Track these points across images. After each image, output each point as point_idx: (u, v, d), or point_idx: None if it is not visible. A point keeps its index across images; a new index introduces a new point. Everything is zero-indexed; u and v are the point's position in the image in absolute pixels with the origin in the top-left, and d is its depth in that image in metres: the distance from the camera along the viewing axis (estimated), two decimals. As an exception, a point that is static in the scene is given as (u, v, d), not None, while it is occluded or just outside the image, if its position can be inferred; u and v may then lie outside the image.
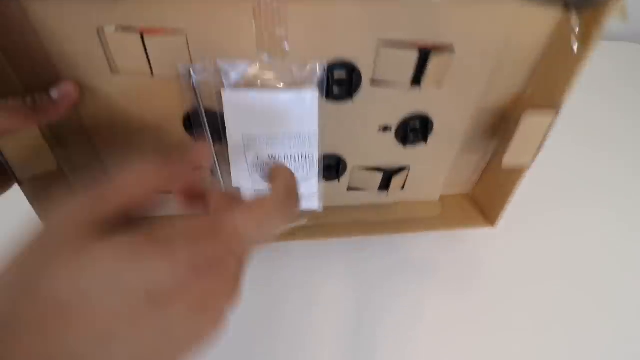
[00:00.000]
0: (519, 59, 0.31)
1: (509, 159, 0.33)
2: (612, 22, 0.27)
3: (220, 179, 0.34)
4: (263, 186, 0.34)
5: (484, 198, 0.41)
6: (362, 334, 0.38)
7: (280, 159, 0.32)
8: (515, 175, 0.35)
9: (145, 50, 0.27)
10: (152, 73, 0.28)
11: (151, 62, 0.27)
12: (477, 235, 0.45)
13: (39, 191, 0.30)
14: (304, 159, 0.33)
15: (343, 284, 0.41)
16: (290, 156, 0.32)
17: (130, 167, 0.18)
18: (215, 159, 0.33)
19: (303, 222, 0.38)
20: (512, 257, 0.45)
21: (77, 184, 0.34)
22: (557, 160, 0.48)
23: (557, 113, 0.31)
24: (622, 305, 0.42)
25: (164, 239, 0.16)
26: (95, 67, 0.28)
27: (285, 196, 0.20)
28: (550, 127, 0.31)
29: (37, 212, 0.30)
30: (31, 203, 0.30)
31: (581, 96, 0.52)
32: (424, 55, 0.29)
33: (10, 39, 0.26)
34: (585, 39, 0.27)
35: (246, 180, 0.34)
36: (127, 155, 0.33)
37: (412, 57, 0.29)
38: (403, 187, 0.40)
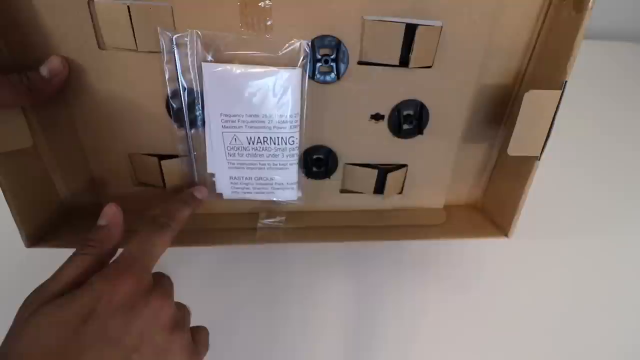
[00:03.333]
0: (512, 32, 0.30)
1: (515, 145, 0.30)
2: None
3: (194, 165, 0.32)
4: (239, 173, 0.32)
5: (494, 205, 0.37)
6: (362, 336, 0.38)
7: (259, 141, 0.31)
8: (525, 169, 0.32)
9: (131, 21, 0.27)
10: (136, 47, 0.28)
11: (136, 34, 0.28)
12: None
13: (10, 167, 0.29)
14: (284, 142, 0.31)
15: (343, 285, 0.41)
16: (270, 139, 0.30)
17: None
18: (191, 144, 0.31)
19: (281, 221, 0.35)
20: (515, 260, 0.43)
21: (51, 164, 0.32)
22: (556, 160, 0.46)
23: (561, 90, 0.28)
24: (629, 317, 0.41)
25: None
26: (84, 42, 0.28)
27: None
28: (556, 106, 0.29)
29: (4, 188, 0.29)
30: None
31: (582, 96, 0.52)
32: (411, 29, 0.28)
33: (5, 13, 0.27)
34: (580, 5, 0.26)
35: (222, 164, 0.31)
36: (107, 138, 0.32)
37: (399, 30, 0.28)
38: (402, 191, 0.37)
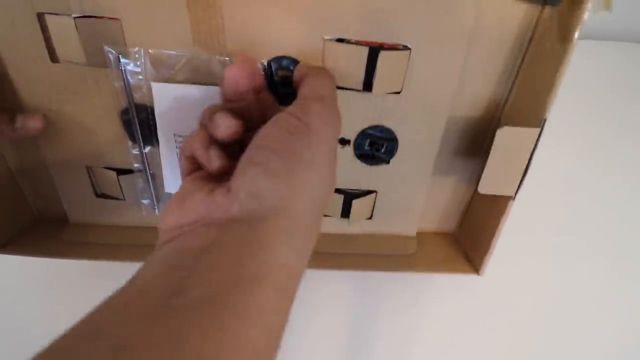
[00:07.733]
0: (489, 59, 0.27)
1: (486, 184, 0.28)
2: (596, 14, 0.22)
3: (150, 182, 0.31)
4: None
5: (467, 237, 0.35)
6: (358, 341, 0.38)
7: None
8: (499, 207, 0.29)
9: (79, 36, 0.26)
10: (86, 62, 0.27)
11: (85, 49, 0.26)
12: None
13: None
14: (241, 165, 0.29)
15: (338, 292, 0.40)
16: (227, 161, 0.29)
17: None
18: (147, 162, 0.30)
19: None
20: (513, 263, 0.41)
21: (18, 172, 0.33)
22: (551, 163, 0.43)
23: (540, 127, 0.25)
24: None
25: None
26: (37, 55, 0.27)
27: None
28: (533, 145, 0.26)
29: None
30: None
31: (582, 97, 0.48)
32: (375, 53, 0.26)
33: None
34: (565, 36, 0.23)
35: (179, 185, 0.30)
36: (65, 150, 0.31)
37: (362, 54, 0.26)
38: (371, 217, 0.35)
